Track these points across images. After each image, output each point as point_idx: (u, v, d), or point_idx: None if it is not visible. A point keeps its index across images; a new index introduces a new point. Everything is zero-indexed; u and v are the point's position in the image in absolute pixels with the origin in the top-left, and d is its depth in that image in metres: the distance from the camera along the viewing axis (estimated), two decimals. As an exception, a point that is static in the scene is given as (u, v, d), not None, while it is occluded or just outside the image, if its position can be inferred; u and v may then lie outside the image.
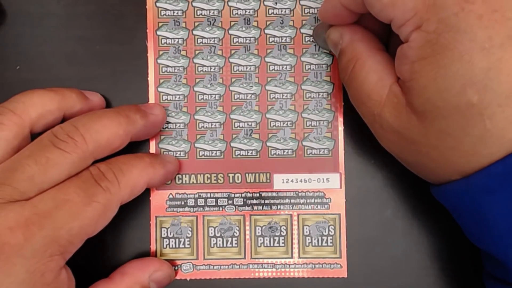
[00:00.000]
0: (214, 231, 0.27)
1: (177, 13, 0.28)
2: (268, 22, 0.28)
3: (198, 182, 0.27)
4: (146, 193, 0.27)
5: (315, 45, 0.28)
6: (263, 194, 0.27)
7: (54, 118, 0.25)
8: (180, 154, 0.28)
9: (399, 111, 0.22)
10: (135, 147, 0.27)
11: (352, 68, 0.23)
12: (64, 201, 0.21)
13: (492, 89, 0.19)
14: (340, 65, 0.25)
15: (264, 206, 0.27)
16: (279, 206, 0.27)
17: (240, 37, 0.28)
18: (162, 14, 0.28)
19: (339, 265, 0.27)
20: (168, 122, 0.28)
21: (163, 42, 0.28)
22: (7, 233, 0.21)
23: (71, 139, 0.22)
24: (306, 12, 0.28)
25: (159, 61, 0.28)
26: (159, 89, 0.28)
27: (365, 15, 0.23)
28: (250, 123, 0.28)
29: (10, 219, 0.21)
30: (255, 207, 0.27)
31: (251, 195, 0.27)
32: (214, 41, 0.28)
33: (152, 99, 0.28)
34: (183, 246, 0.27)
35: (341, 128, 0.28)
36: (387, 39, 0.25)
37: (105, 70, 0.28)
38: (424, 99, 0.20)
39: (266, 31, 0.28)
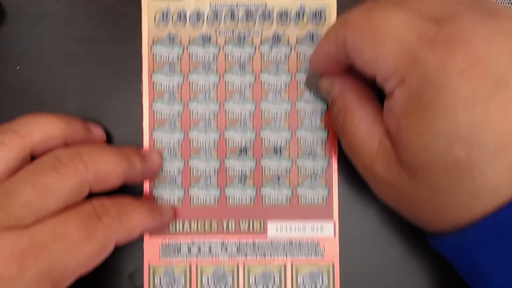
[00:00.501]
0: (208, 279, 0.27)
1: (173, 58, 0.28)
2: (263, 68, 0.28)
3: (192, 229, 0.27)
4: (140, 240, 0.27)
5: (310, 91, 0.27)
6: (256, 242, 0.27)
7: (56, 144, 0.24)
8: (174, 200, 0.27)
9: (390, 165, 0.21)
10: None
11: (343, 118, 0.23)
12: (62, 234, 0.21)
13: (479, 145, 0.19)
14: (332, 115, 0.25)
15: (258, 255, 0.27)
16: (272, 255, 0.27)
17: (235, 82, 0.28)
18: (157, 59, 0.28)
19: (332, 316, 0.27)
20: (162, 168, 0.27)
21: (158, 87, 0.28)
22: (1, 264, 0.20)
23: (73, 164, 0.22)
24: (301, 58, 0.27)
25: (154, 106, 0.28)
26: (154, 135, 0.27)
27: None
28: (244, 170, 0.27)
29: (5, 250, 0.20)
30: (248, 255, 0.27)
31: (244, 243, 0.27)
32: (209, 86, 0.28)
33: (146, 144, 0.28)
34: (176, 295, 0.27)
35: (335, 176, 0.27)
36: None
37: (105, 70, 0.28)
38: (412, 155, 0.20)
39: (261, 76, 0.28)
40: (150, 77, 0.28)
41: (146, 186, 0.27)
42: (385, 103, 0.21)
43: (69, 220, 0.22)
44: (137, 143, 0.28)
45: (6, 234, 0.21)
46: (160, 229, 0.27)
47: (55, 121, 0.24)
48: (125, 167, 0.24)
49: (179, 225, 0.27)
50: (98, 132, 0.27)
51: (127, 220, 0.23)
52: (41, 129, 0.24)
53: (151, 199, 0.27)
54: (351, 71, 0.24)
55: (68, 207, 0.22)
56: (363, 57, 0.21)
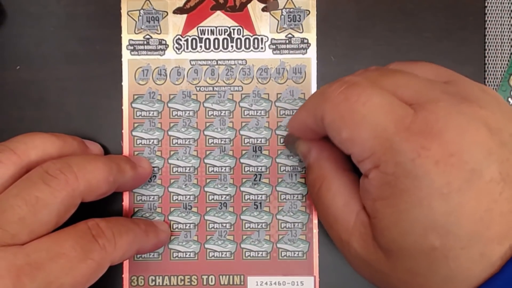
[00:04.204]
0: (187, 336, 0.27)
1: (153, 113, 0.28)
2: (243, 123, 0.28)
3: (172, 284, 0.27)
4: (119, 296, 0.27)
5: (289, 151, 0.28)
6: (236, 298, 0.27)
7: None
8: (153, 255, 0.27)
9: (367, 243, 0.21)
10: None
11: (319, 187, 0.23)
12: (59, 254, 0.21)
13: (453, 233, 0.19)
14: (307, 181, 0.25)
15: (238, 311, 0.27)
16: (252, 311, 0.27)
17: (216, 138, 0.28)
18: (137, 114, 0.28)
19: None
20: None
21: (138, 142, 0.28)
22: None
23: (63, 175, 0.22)
24: (281, 113, 0.28)
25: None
26: (134, 190, 0.28)
27: None
28: (224, 225, 0.28)
29: (1, 268, 0.20)
30: (228, 311, 0.27)
31: (224, 298, 0.27)
32: (189, 141, 0.28)
33: (126, 201, 0.28)
34: None
35: (315, 230, 0.28)
36: None
37: (105, 70, 0.28)
38: (388, 239, 0.20)
39: (242, 132, 0.28)
40: (130, 133, 0.28)
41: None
42: (361, 181, 0.21)
43: (66, 239, 0.22)
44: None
45: (3, 251, 0.21)
46: (157, 248, 0.27)
47: (52, 140, 0.25)
48: (116, 175, 0.24)
49: (158, 280, 0.27)
50: (95, 149, 0.27)
51: (122, 241, 0.23)
52: (37, 147, 0.24)
53: (147, 220, 0.27)
54: (329, 138, 0.24)
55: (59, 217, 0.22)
56: (340, 136, 0.21)
